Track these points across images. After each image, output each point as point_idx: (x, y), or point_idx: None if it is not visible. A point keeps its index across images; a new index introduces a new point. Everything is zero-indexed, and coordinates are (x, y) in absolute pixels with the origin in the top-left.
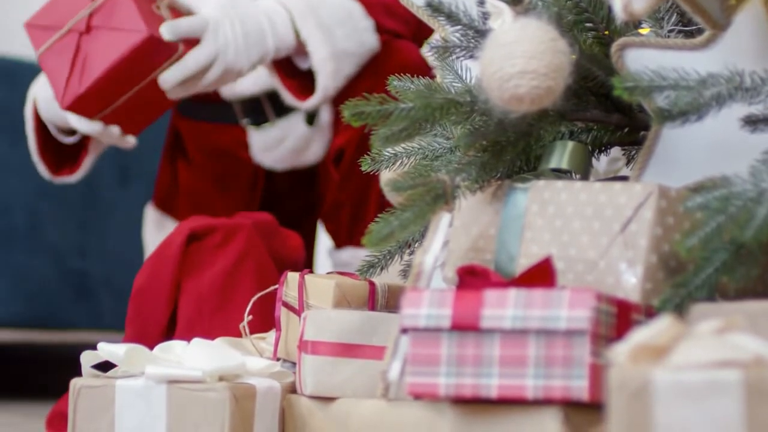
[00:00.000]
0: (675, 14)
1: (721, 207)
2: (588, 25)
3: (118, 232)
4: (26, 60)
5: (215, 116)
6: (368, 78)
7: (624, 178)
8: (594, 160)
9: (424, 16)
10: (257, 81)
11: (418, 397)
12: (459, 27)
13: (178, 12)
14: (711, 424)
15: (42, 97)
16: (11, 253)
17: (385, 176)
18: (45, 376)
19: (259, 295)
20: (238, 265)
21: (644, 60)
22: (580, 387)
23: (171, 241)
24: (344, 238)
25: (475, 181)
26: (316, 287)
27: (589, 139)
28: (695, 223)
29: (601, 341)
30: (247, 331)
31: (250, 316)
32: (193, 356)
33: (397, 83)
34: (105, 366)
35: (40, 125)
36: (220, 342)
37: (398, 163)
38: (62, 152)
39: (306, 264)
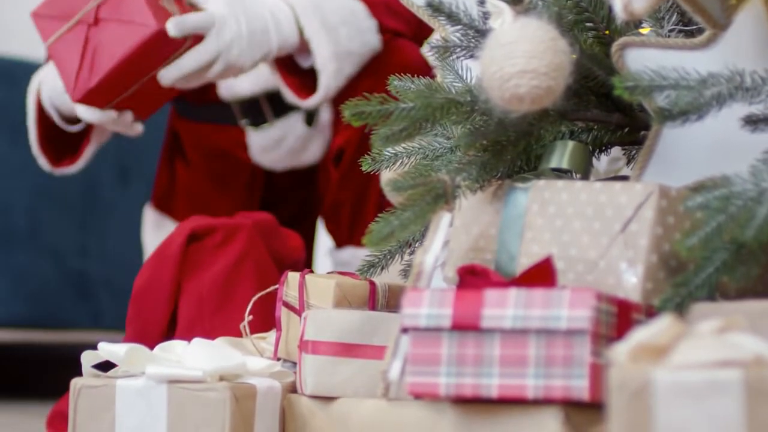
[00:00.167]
0: (675, 14)
1: (721, 206)
2: (588, 24)
3: (118, 232)
4: (26, 60)
5: (213, 117)
6: (369, 77)
7: (624, 178)
8: (594, 160)
9: (425, 15)
10: (256, 82)
11: (418, 396)
12: (459, 27)
13: (183, 4)
14: (711, 424)
15: (50, 85)
16: (11, 254)
17: (386, 176)
18: (45, 376)
19: (259, 295)
20: (239, 265)
21: (645, 60)
22: (580, 387)
23: (171, 241)
24: (344, 237)
25: (476, 181)
26: (317, 287)
27: (590, 138)
28: (696, 223)
29: (601, 341)
30: (248, 330)
31: (251, 316)
32: (193, 356)
33: (397, 83)
34: (105, 366)
35: (42, 116)
36: (221, 342)
37: (398, 163)
38: (62, 144)
39: (305, 264)
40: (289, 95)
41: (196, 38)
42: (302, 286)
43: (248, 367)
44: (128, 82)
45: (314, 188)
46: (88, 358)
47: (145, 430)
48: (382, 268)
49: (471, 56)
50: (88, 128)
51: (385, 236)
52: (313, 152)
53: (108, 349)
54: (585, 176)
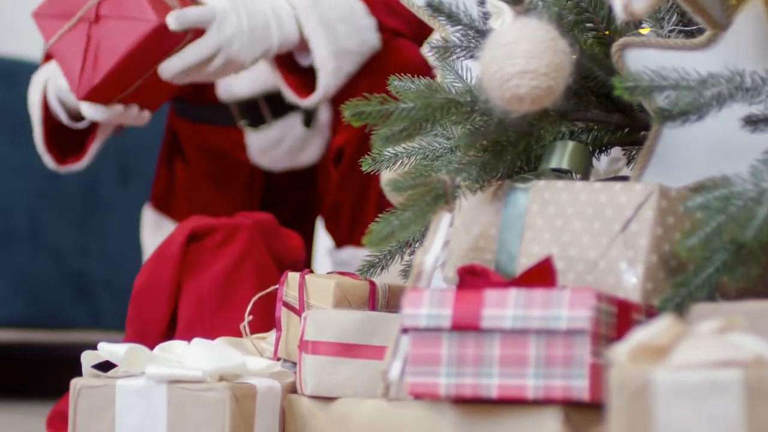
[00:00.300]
0: (675, 14)
1: (721, 207)
2: (588, 24)
3: (118, 232)
4: (26, 60)
5: (212, 117)
6: (368, 77)
7: (624, 178)
8: (594, 160)
9: (425, 16)
10: (255, 83)
11: (418, 397)
12: (459, 27)
13: None
14: (711, 424)
15: (56, 83)
16: (11, 254)
17: (386, 176)
18: (45, 376)
19: (259, 295)
20: (239, 265)
21: (645, 60)
22: (580, 387)
23: (171, 241)
24: (344, 237)
25: (476, 181)
26: (317, 287)
27: (590, 139)
28: (696, 223)
29: (601, 341)
30: (248, 331)
31: (251, 316)
32: (193, 356)
33: (397, 83)
34: (105, 366)
35: (47, 115)
36: (221, 342)
37: (398, 163)
38: (66, 141)
39: (305, 264)
40: (289, 94)
41: (197, 32)
42: (302, 286)
43: (248, 367)
44: (132, 78)
45: (314, 188)
46: (88, 358)
47: (145, 430)
48: (382, 269)
49: (471, 56)
50: (94, 125)
51: (385, 236)
52: (311, 152)
53: (108, 349)
54: (585, 176)
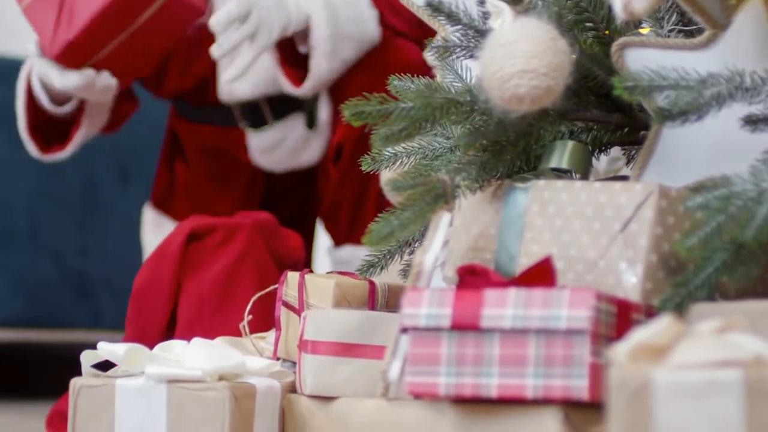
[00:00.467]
0: (675, 14)
1: (721, 207)
2: (588, 24)
3: (118, 232)
4: (25, 60)
5: (212, 118)
6: (366, 72)
7: (624, 178)
8: (594, 160)
9: (424, 15)
10: (256, 86)
11: (418, 396)
12: (459, 27)
13: None
14: (711, 424)
15: (39, 66)
16: (11, 253)
17: (385, 176)
18: (45, 376)
19: (259, 294)
20: (238, 264)
21: (644, 60)
22: (580, 387)
23: (171, 240)
24: (343, 236)
25: (475, 181)
26: (316, 287)
27: (589, 138)
28: (695, 223)
29: (601, 341)
30: (247, 330)
31: (250, 316)
32: (193, 356)
33: (397, 83)
34: (105, 365)
35: (31, 102)
36: (220, 341)
37: (398, 163)
38: (53, 131)
39: (305, 263)
40: (285, 84)
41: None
42: (302, 285)
43: (248, 366)
44: (105, 38)
45: (314, 188)
46: (87, 358)
47: (145, 430)
48: (382, 268)
49: (471, 56)
50: (78, 114)
51: (385, 236)
52: (312, 153)
53: (107, 349)
54: (585, 176)
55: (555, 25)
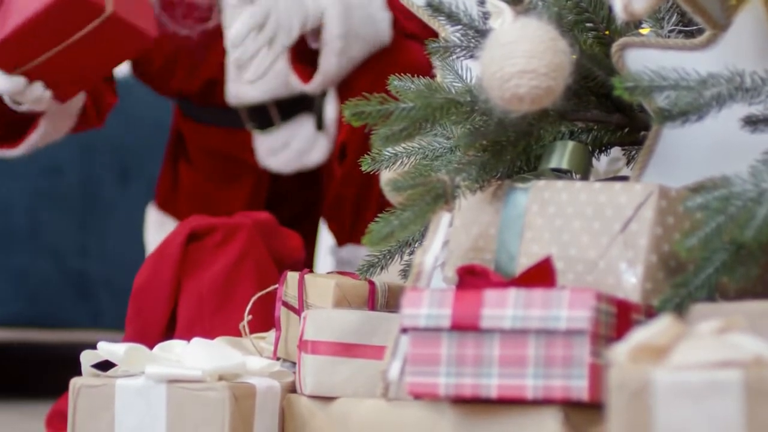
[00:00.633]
0: (675, 14)
1: (721, 207)
2: (588, 25)
3: (118, 232)
4: None
5: (218, 119)
6: (374, 72)
7: (624, 178)
8: (594, 160)
9: (425, 16)
10: (264, 91)
11: (418, 396)
12: (459, 27)
13: None
14: (711, 424)
15: None
16: (11, 253)
17: (386, 176)
18: (45, 376)
19: (259, 294)
20: (238, 264)
21: (644, 60)
22: (580, 387)
23: (171, 240)
24: (346, 234)
25: (476, 181)
26: (316, 287)
27: (590, 139)
28: (695, 223)
29: (601, 341)
30: (247, 330)
31: (250, 316)
32: (192, 355)
33: (397, 83)
34: (105, 365)
35: None
36: (220, 341)
37: (398, 163)
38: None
39: (307, 263)
40: (294, 80)
41: (119, 5)
42: (302, 285)
43: (248, 366)
44: (39, 46)
45: (318, 188)
46: (87, 358)
47: (145, 430)
48: (382, 268)
49: (471, 56)
50: (38, 115)
51: (385, 236)
52: (319, 153)
53: (107, 349)
54: (585, 176)
55: (555, 26)
